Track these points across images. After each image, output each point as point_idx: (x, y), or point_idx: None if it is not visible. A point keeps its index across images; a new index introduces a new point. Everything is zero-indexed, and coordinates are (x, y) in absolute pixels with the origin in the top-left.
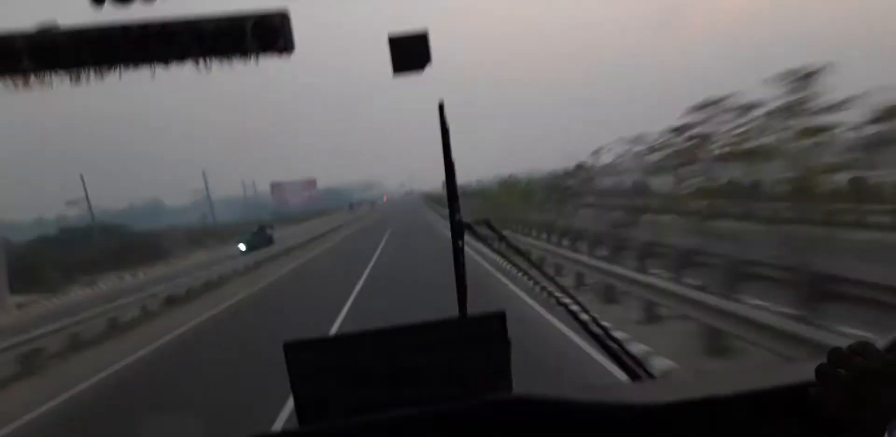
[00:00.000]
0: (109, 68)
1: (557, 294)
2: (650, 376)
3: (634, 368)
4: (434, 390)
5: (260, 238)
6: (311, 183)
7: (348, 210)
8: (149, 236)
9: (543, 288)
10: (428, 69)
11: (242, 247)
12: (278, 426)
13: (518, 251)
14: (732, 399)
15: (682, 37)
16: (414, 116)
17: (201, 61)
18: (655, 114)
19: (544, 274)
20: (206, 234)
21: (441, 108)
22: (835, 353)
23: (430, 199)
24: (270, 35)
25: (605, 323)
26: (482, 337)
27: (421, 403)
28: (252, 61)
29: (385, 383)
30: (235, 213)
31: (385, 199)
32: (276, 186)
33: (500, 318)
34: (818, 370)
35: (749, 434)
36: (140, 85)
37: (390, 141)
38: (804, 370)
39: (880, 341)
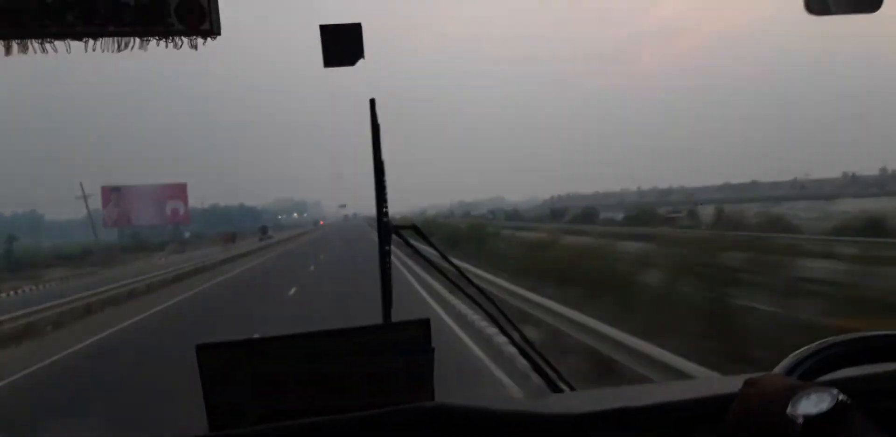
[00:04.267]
0: (20, 39)
1: (482, 303)
2: (572, 388)
3: (556, 380)
4: (353, 398)
5: None
6: (177, 189)
7: (259, 237)
8: None
9: (469, 297)
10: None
11: None
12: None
13: (445, 258)
14: (651, 409)
15: (636, 72)
16: (357, 137)
17: (118, 40)
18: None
19: (471, 283)
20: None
21: (373, 103)
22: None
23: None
24: (196, 15)
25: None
26: (405, 344)
27: (339, 411)
28: (173, 43)
29: (302, 389)
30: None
31: (321, 223)
32: (111, 193)
33: (424, 325)
34: (745, 383)
35: None
36: (43, 65)
37: (331, 160)
38: (729, 384)
39: (781, 366)
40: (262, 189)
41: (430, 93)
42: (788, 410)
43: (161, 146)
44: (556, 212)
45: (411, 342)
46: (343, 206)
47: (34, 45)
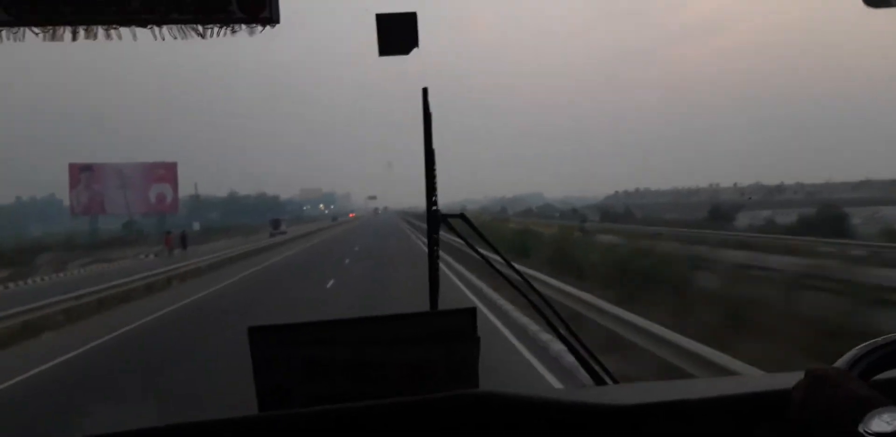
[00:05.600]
0: (87, 26)
1: (529, 296)
2: (615, 381)
3: (601, 373)
4: (400, 383)
5: None
6: (164, 169)
7: (270, 233)
8: None
9: (516, 288)
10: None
11: None
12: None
13: (494, 249)
14: (705, 403)
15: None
16: (397, 129)
17: (180, 27)
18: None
19: (518, 273)
20: None
21: (425, 92)
22: (813, 369)
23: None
24: (257, 3)
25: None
26: (451, 332)
27: (386, 395)
28: (233, 31)
29: (350, 374)
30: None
31: (351, 216)
32: (80, 172)
33: (470, 314)
34: (806, 374)
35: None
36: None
37: (366, 152)
38: (783, 380)
39: (843, 359)
40: (289, 179)
41: (470, 88)
42: (861, 427)
43: (186, 132)
44: (716, 213)
45: (457, 331)
46: (373, 197)
47: (100, 31)
